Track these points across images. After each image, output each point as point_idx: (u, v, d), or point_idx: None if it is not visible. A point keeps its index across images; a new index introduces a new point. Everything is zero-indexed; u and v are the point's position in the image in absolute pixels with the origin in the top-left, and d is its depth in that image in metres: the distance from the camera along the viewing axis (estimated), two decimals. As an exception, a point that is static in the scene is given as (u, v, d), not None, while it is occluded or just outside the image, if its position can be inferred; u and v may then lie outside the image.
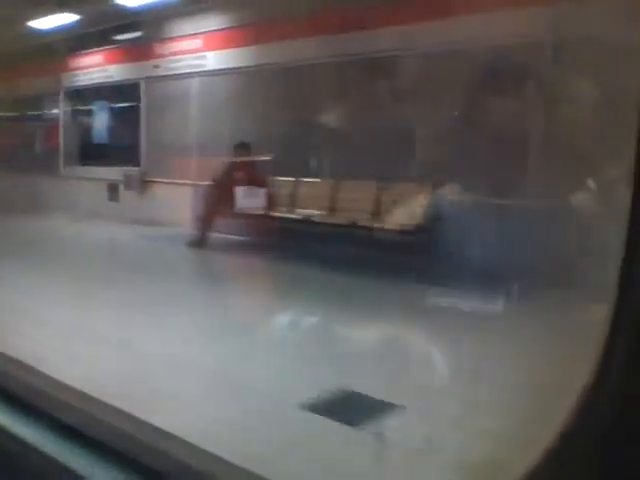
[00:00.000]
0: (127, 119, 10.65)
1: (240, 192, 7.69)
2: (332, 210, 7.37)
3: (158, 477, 0.93)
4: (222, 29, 8.88)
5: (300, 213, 7.48)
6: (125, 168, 10.37)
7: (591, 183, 5.53)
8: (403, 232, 6.59)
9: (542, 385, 2.57)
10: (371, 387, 2.83)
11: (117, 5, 9.46)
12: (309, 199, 7.61)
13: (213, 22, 9.04)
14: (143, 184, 10.00)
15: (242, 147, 8.08)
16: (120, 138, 10.82)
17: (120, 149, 10.72)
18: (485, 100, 6.44)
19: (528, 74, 6.06)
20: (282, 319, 4.94)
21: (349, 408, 2.65)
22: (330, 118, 7.63)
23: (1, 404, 1.15)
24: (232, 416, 2.56)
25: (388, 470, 2.12)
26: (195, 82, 9.38)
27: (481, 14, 5.77)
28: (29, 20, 10.49)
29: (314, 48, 7.34)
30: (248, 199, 7.69)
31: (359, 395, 2.80)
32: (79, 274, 5.79)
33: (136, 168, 10.18)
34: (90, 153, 11.53)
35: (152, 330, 4.00)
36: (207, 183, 8.05)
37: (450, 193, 6.65)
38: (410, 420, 2.55)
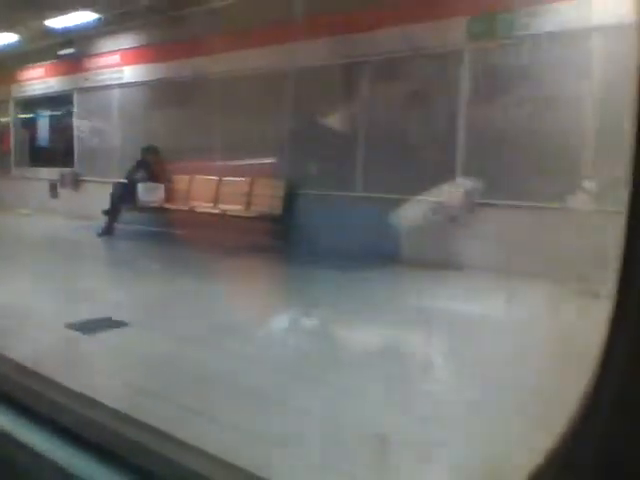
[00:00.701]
0: (64, 126, 12.11)
1: (141, 188, 9.12)
2: (215, 202, 8.81)
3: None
4: (133, 48, 10.31)
5: (190, 205, 8.92)
6: (63, 169, 11.82)
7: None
8: (264, 218, 8.05)
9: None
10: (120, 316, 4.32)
11: (48, 26, 10.86)
12: (199, 193, 9.06)
13: (127, 41, 10.47)
14: (76, 183, 11.44)
15: (149, 150, 9.51)
16: (59, 142, 12.28)
17: (59, 152, 12.18)
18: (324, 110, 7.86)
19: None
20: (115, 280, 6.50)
21: (93, 326, 4.12)
22: (215, 126, 9.06)
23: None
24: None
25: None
26: (116, 92, 10.81)
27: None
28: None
29: (195, 67, 8.82)
30: (148, 194, 9.13)
31: (102, 319, 4.27)
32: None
33: (70, 169, 11.63)
34: (36, 156, 12.99)
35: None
36: (117, 181, 9.49)
37: (301, 187, 8.10)
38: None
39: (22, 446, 1.04)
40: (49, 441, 1.03)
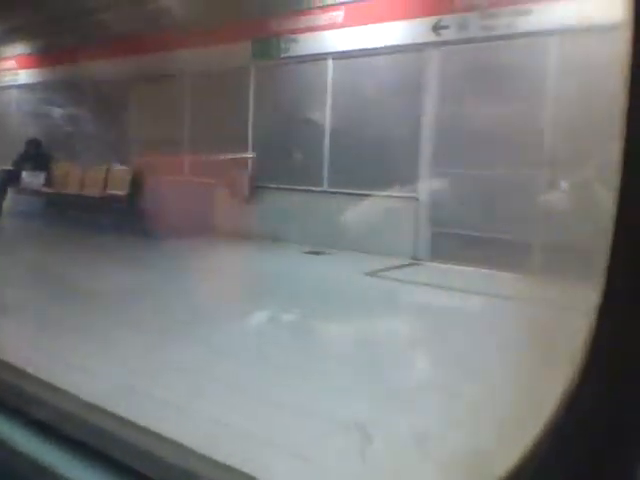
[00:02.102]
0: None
1: (25, 174, 10.96)
2: (82, 186, 10.66)
3: None
4: (24, 54, 12.10)
5: (65, 189, 10.77)
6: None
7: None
8: (116, 199, 9.93)
9: None
10: None
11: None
12: (72, 179, 10.91)
13: (21, 48, 12.25)
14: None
15: (32, 142, 11.31)
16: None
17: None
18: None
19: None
20: None
21: None
22: (86, 124, 10.90)
23: None
24: None
25: None
26: (14, 92, 12.59)
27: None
28: None
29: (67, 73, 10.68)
30: (31, 180, 10.96)
31: None
32: None
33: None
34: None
35: None
36: (3, 168, 11.32)
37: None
38: None
39: (14, 450, 1.02)
40: (41, 444, 1.01)
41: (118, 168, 10.29)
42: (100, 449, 0.98)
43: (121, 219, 9.73)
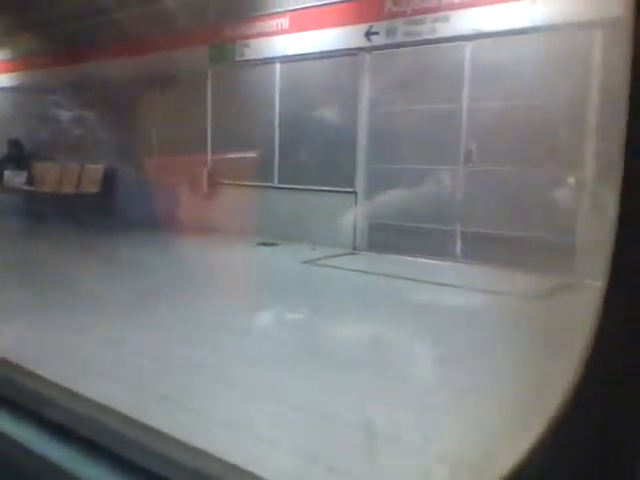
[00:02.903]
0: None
1: (7, 174, 11.59)
2: (59, 184, 11.28)
3: None
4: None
5: (45, 187, 11.39)
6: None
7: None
8: (90, 195, 10.54)
9: None
10: None
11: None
12: (50, 177, 11.53)
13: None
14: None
15: (13, 143, 11.95)
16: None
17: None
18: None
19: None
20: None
21: None
22: (62, 126, 11.50)
23: None
24: None
25: None
26: (-1, 95, 13.24)
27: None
28: None
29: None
30: (13, 179, 11.60)
31: None
32: None
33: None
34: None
35: None
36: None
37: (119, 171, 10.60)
38: None
39: (18, 445, 1.03)
40: (45, 440, 1.02)
41: (91, 167, 10.89)
42: (111, 448, 0.98)
43: (92, 215, 10.35)
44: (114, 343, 4.00)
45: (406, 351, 4.06)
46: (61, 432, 1.05)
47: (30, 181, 11.71)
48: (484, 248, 6.68)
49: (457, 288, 5.95)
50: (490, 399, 3.00)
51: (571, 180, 6.27)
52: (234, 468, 1.05)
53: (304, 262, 6.95)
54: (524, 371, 2.62)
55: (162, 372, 3.55)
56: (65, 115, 11.50)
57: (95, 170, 10.81)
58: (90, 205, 10.48)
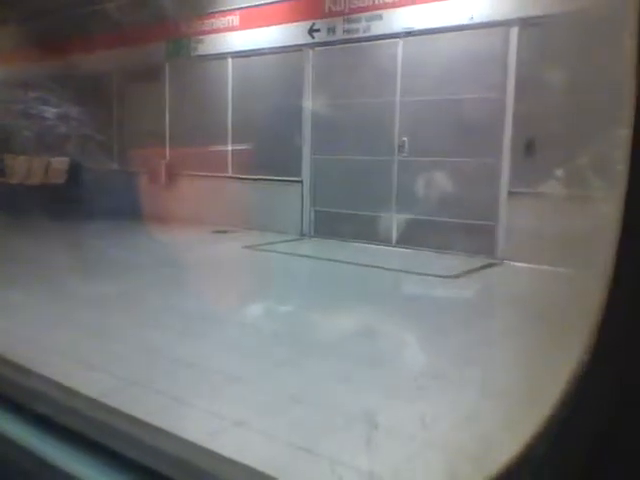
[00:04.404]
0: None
1: (-25, 166, 11.90)
2: (27, 176, 11.61)
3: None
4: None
5: (14, 179, 11.72)
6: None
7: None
8: (55, 186, 10.90)
9: None
10: None
11: None
12: (19, 170, 11.85)
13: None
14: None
15: (-17, 136, 12.25)
16: None
17: None
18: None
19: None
20: None
21: None
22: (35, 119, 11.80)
23: None
24: None
25: None
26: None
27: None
28: None
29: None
30: (-18, 171, 11.91)
31: None
32: None
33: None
34: None
35: None
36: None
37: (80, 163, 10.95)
38: None
39: (12, 443, 1.02)
40: (47, 441, 1.00)
41: (57, 160, 11.23)
42: (103, 443, 0.97)
43: (58, 204, 10.70)
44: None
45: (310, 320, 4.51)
46: (41, 421, 1.05)
47: (1, 173, 12.03)
48: (417, 233, 7.12)
49: (382, 269, 6.39)
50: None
51: (492, 166, 6.71)
52: (221, 458, 1.08)
53: (245, 247, 7.36)
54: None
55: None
56: (35, 110, 11.83)
57: (61, 162, 11.16)
58: (56, 195, 10.82)
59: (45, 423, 1.05)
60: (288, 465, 2.34)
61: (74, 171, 11.05)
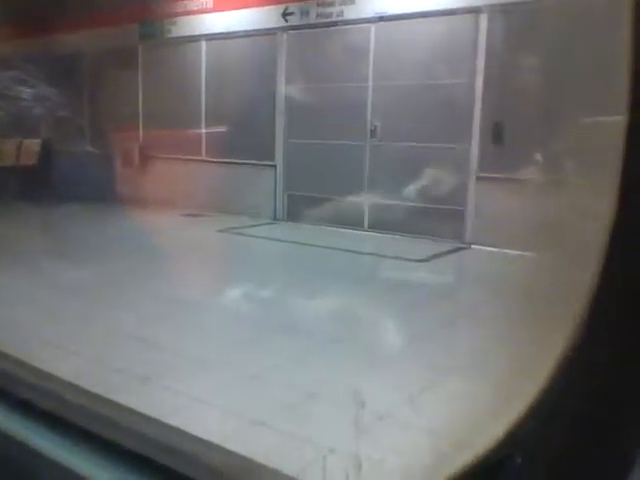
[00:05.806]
0: None
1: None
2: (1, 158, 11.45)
3: (171, 475, 0.88)
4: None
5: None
6: None
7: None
8: (27, 168, 10.78)
9: None
10: None
11: None
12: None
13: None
14: None
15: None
16: None
17: None
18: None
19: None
20: None
21: None
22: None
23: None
24: None
25: None
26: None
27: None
28: None
29: None
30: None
31: None
32: None
33: None
34: None
35: None
36: None
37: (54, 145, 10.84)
38: None
39: (10, 438, 1.00)
40: (50, 438, 0.98)
41: (29, 142, 11.10)
42: (81, 425, 0.97)
43: (30, 186, 10.59)
44: None
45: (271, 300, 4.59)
46: (26, 407, 1.05)
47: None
48: (389, 218, 7.21)
49: (354, 253, 6.48)
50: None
51: (462, 152, 6.81)
52: (217, 448, 1.07)
53: (219, 231, 7.39)
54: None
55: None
56: (10, 90, 11.64)
57: (33, 144, 11.03)
58: (28, 177, 10.71)
59: (23, 407, 1.05)
60: (245, 438, 2.42)
61: (46, 153, 10.93)
